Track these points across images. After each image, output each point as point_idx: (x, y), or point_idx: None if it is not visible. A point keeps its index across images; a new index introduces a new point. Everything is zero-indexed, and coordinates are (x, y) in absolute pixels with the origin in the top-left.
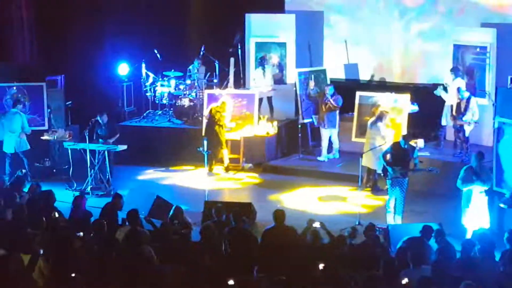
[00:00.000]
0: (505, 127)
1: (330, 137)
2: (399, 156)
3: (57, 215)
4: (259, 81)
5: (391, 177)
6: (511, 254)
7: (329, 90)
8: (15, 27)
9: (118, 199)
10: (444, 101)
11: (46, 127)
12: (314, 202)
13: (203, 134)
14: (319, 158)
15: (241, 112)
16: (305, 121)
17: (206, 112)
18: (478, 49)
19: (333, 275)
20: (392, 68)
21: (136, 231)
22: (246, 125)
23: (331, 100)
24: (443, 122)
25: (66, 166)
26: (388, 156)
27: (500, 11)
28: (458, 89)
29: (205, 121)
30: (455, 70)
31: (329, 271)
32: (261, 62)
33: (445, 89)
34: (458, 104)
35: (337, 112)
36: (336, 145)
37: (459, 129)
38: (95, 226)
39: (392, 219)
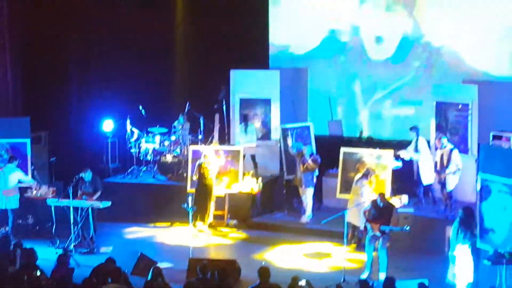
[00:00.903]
0: (488, 184)
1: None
2: (377, 213)
3: (38, 273)
4: (240, 137)
5: (369, 235)
6: None
7: (306, 150)
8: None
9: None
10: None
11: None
12: (299, 259)
13: (188, 190)
14: (301, 221)
15: (226, 168)
16: (290, 177)
17: (195, 171)
18: (460, 106)
19: None
20: (375, 124)
21: None
22: (231, 182)
23: (309, 161)
24: (426, 181)
25: (49, 223)
26: (367, 213)
27: (481, 68)
28: (441, 140)
29: (194, 178)
30: (415, 129)
31: None
32: (244, 118)
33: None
34: (441, 157)
35: (315, 172)
36: (310, 206)
37: (443, 185)
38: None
39: (368, 273)
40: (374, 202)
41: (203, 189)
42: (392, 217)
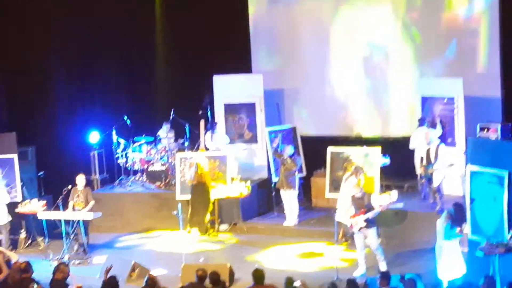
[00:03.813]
0: (476, 175)
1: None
2: (357, 206)
3: (35, 286)
4: (208, 144)
5: (357, 230)
6: None
7: (289, 150)
8: None
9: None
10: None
11: (19, 199)
12: (292, 260)
13: (177, 198)
14: (285, 224)
15: (213, 173)
16: (277, 179)
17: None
18: (445, 100)
19: None
20: (362, 121)
21: None
22: (219, 186)
23: (288, 161)
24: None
25: (42, 237)
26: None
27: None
28: (429, 136)
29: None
30: (419, 120)
31: None
32: (211, 126)
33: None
34: (428, 152)
35: (296, 174)
36: (295, 209)
37: (430, 179)
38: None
39: (362, 271)
40: (352, 196)
41: (201, 195)
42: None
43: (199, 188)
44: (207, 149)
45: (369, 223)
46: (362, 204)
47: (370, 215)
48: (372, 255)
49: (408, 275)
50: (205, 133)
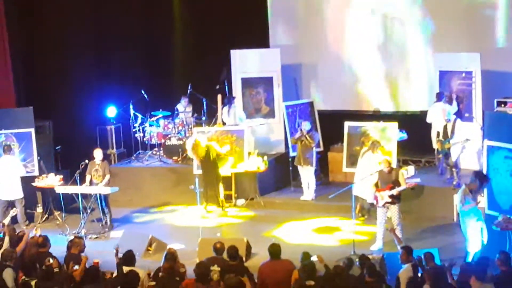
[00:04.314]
0: (493, 150)
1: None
2: (384, 181)
3: (51, 260)
4: (225, 119)
5: (380, 205)
6: (503, 276)
7: (305, 126)
8: (1, 73)
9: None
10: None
11: (36, 173)
12: (309, 234)
13: (195, 172)
14: (302, 198)
15: (231, 147)
16: (295, 154)
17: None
18: (463, 75)
19: None
20: (378, 96)
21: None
22: (236, 161)
23: (307, 136)
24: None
25: (59, 212)
26: (377, 183)
27: (484, 36)
28: (446, 112)
29: (196, 160)
30: (437, 95)
31: None
32: (228, 101)
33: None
34: (445, 127)
35: (314, 149)
36: (312, 185)
37: (447, 154)
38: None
39: (379, 245)
40: (380, 171)
41: (208, 171)
42: (399, 180)
43: (207, 164)
44: (224, 123)
45: (394, 198)
46: (389, 179)
47: (395, 191)
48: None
49: (426, 250)
50: (222, 107)
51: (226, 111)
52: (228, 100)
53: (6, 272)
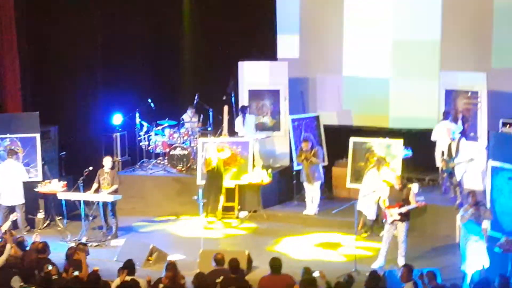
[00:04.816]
0: (497, 171)
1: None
2: (395, 197)
3: (50, 267)
4: (239, 129)
5: (388, 223)
6: None
7: (305, 146)
8: (8, 78)
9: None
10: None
11: (40, 179)
12: (311, 249)
13: (198, 182)
14: (305, 212)
15: (235, 159)
16: (299, 167)
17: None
18: (469, 94)
19: None
20: (384, 113)
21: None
22: (240, 173)
23: (311, 155)
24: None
25: (60, 218)
26: (386, 201)
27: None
28: (451, 131)
29: (203, 170)
30: (444, 113)
31: None
32: (242, 110)
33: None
34: (449, 146)
35: (321, 166)
36: (317, 199)
37: (451, 173)
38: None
39: (381, 263)
40: (391, 187)
41: (213, 181)
42: (410, 199)
43: (213, 174)
44: (232, 134)
45: (403, 216)
46: (399, 196)
47: (404, 209)
48: (390, 249)
49: (427, 269)
50: (237, 117)
51: (240, 121)
52: (242, 109)
53: (15, 280)
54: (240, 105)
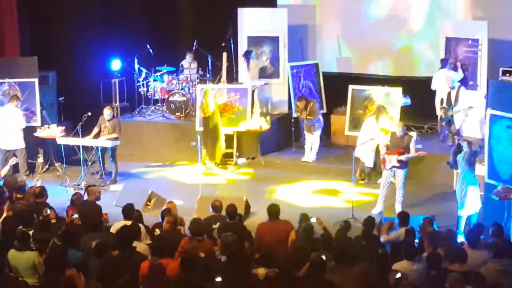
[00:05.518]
0: (496, 119)
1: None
2: (396, 144)
3: (48, 211)
4: (242, 75)
5: (387, 168)
6: (495, 248)
7: (299, 104)
8: (6, 22)
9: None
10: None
11: (38, 124)
12: (308, 196)
13: (197, 129)
14: (303, 159)
15: (232, 107)
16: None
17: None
18: (470, 42)
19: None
20: (384, 61)
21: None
22: (239, 120)
23: (308, 112)
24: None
25: (59, 163)
26: (387, 147)
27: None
28: (451, 80)
29: (200, 117)
30: (442, 61)
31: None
32: (246, 56)
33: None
34: (449, 95)
35: (320, 117)
36: (316, 147)
37: (450, 122)
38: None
39: (380, 209)
40: (392, 134)
41: (209, 127)
42: (410, 147)
43: (207, 120)
44: (230, 81)
45: (402, 163)
46: (400, 144)
47: (404, 157)
48: (388, 195)
49: (424, 216)
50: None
51: (244, 66)
52: (245, 54)
53: None
54: (243, 51)
